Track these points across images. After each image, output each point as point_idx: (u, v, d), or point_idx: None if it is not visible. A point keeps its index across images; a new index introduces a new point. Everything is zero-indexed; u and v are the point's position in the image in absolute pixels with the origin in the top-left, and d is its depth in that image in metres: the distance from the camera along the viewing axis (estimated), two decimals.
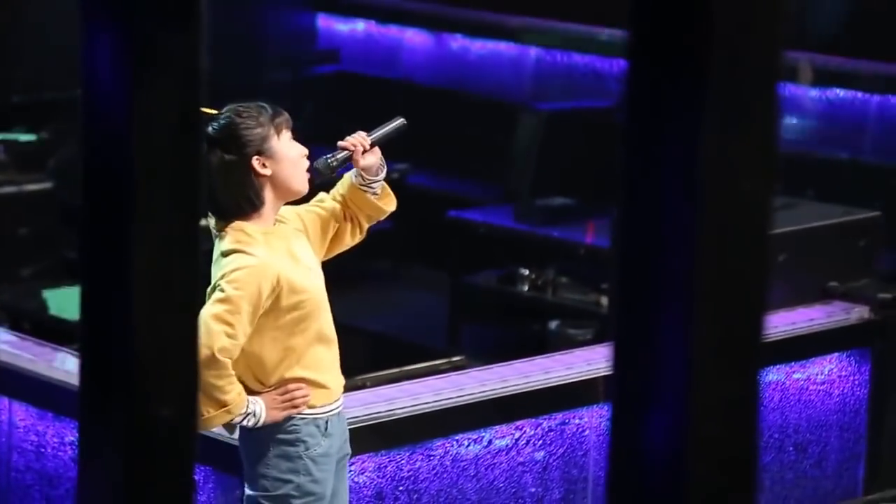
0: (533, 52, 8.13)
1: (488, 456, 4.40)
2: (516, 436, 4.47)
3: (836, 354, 5.24)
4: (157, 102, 1.53)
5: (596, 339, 5.81)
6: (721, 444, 1.35)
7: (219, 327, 3.39)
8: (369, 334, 6.33)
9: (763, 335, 1.37)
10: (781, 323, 5.07)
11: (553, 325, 6.29)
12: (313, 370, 3.50)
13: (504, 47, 8.21)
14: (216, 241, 3.56)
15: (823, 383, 5.23)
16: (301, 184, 3.55)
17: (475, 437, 4.38)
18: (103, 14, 1.52)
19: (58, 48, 7.22)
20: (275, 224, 3.57)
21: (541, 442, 4.52)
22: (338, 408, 3.58)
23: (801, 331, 5.13)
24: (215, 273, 3.51)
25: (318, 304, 3.51)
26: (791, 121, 7.14)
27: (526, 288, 6.55)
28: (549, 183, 7.06)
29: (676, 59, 1.30)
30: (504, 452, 4.44)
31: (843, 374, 5.27)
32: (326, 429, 3.53)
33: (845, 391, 5.28)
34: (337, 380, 3.58)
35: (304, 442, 3.51)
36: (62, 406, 4.43)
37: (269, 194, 3.52)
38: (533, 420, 4.49)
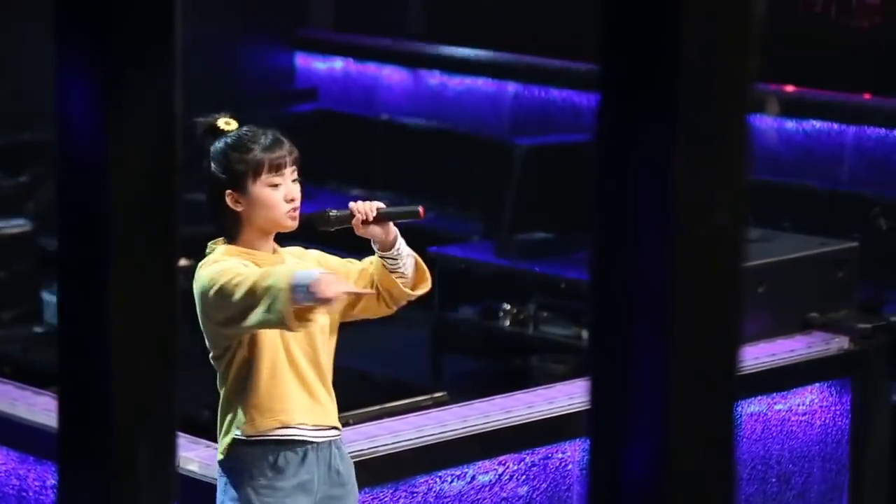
0: (511, 87, 8.17)
1: (472, 492, 4.40)
2: (499, 471, 4.46)
3: (818, 385, 5.25)
4: (132, 144, 1.53)
5: (577, 373, 5.81)
6: (699, 476, 1.35)
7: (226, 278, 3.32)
8: (350, 371, 6.32)
9: (738, 367, 1.37)
10: (762, 354, 5.08)
11: (534, 359, 6.29)
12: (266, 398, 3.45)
13: (482, 83, 8.24)
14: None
15: (805, 414, 5.24)
16: (278, 224, 3.47)
17: (458, 472, 4.37)
18: (77, 56, 1.52)
19: (34, 91, 7.23)
20: (273, 252, 3.52)
21: (524, 477, 4.51)
22: (301, 442, 3.51)
23: (782, 362, 5.14)
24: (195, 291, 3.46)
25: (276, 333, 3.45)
26: (767, 152, 7.18)
27: (507, 323, 6.55)
28: (529, 218, 7.07)
29: (646, 93, 1.31)
30: (487, 488, 4.44)
31: (825, 404, 5.28)
32: (276, 461, 3.49)
33: (827, 422, 5.29)
34: (296, 414, 3.49)
35: (248, 472, 3.49)
36: (43, 450, 4.41)
37: (246, 228, 3.48)
38: (516, 455, 4.49)
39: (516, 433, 4.47)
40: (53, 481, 4.43)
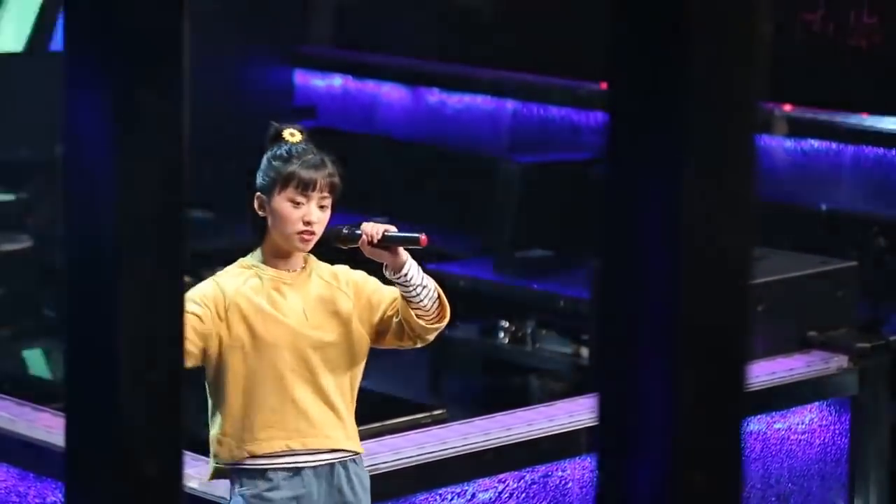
0: (510, 105, 8.18)
1: None
2: (499, 489, 4.46)
3: (817, 404, 5.25)
4: (141, 162, 1.54)
5: (577, 391, 5.81)
6: (705, 494, 1.36)
7: None
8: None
9: (746, 386, 1.38)
10: (761, 373, 5.08)
11: (533, 377, 6.29)
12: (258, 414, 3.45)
13: (481, 101, 8.26)
14: None
15: (804, 433, 5.24)
16: (287, 241, 3.47)
17: (458, 490, 4.37)
18: (86, 73, 1.53)
19: (35, 108, 7.24)
20: (301, 269, 3.51)
21: (524, 495, 4.51)
22: (293, 463, 3.50)
23: (781, 380, 5.14)
24: None
25: (275, 351, 3.44)
26: (767, 172, 7.19)
27: (506, 340, 6.55)
28: (528, 235, 7.08)
29: (654, 113, 1.32)
30: None
31: (824, 423, 5.28)
32: (265, 474, 3.48)
33: (826, 441, 5.29)
34: (285, 434, 3.47)
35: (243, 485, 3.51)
36: (43, 466, 4.40)
37: (269, 237, 3.49)
38: (516, 473, 4.49)
39: (516, 451, 4.47)
40: (54, 498, 4.43)
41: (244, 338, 3.44)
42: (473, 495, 4.40)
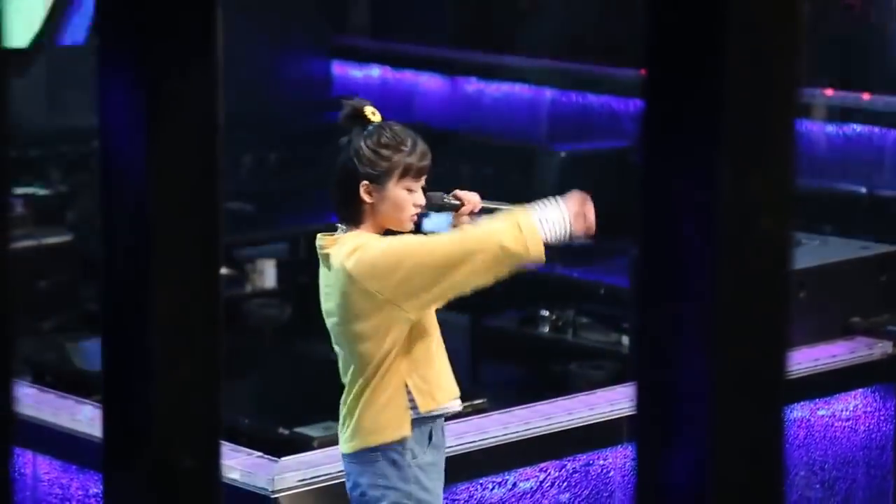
0: (548, 93, 8.15)
1: (513, 499, 4.38)
2: (541, 478, 4.45)
3: (861, 390, 5.21)
4: (174, 154, 1.54)
5: (618, 379, 5.79)
6: (746, 482, 1.34)
7: (419, 242, 3.44)
8: None
9: (786, 372, 1.36)
10: (804, 359, 5.05)
11: (574, 365, 6.27)
12: (424, 371, 3.49)
13: (519, 89, 8.23)
14: (324, 261, 3.55)
15: (848, 419, 5.20)
16: (400, 224, 3.54)
17: (499, 480, 4.36)
18: (119, 63, 1.52)
19: (73, 102, 7.27)
20: None
21: (565, 484, 4.50)
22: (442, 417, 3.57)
23: (825, 367, 5.11)
24: (338, 294, 3.47)
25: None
26: (809, 157, 7.14)
27: (546, 329, 6.53)
28: None
29: (692, 98, 1.30)
30: (529, 495, 4.43)
31: (868, 409, 5.24)
32: (431, 439, 3.53)
33: (871, 427, 5.25)
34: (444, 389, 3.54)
35: (410, 450, 3.51)
36: (86, 458, 4.42)
37: (369, 219, 3.52)
38: (557, 462, 4.47)
39: (557, 440, 4.46)
40: (96, 490, 4.45)
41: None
42: (514, 484, 4.39)
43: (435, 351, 3.54)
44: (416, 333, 3.49)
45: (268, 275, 7.26)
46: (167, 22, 1.51)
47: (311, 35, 8.66)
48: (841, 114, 7.25)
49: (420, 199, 3.55)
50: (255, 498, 4.01)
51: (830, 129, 7.31)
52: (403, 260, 3.42)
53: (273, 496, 4.00)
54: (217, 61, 1.53)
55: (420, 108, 8.58)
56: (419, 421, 3.52)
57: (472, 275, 3.44)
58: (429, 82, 8.55)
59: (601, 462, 4.57)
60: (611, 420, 4.55)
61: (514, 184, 7.62)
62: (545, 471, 4.46)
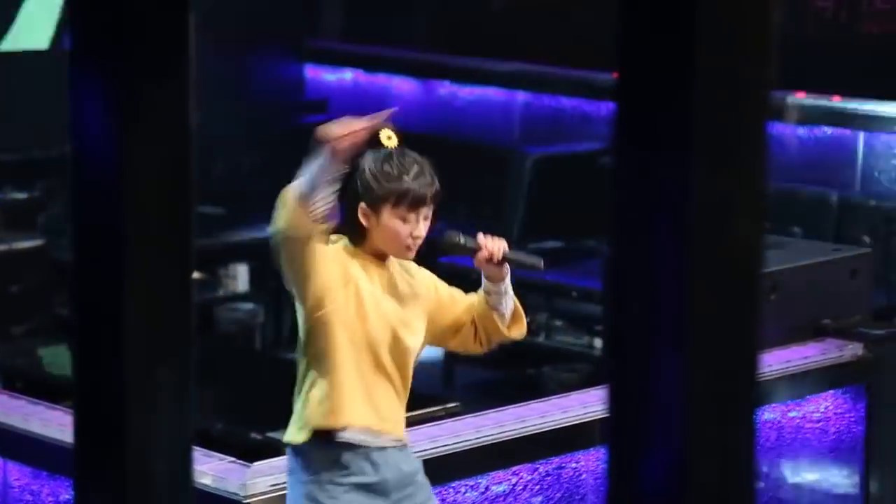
0: (521, 96, 8.16)
1: (486, 502, 4.38)
2: (513, 481, 4.45)
3: (832, 392, 5.23)
4: (147, 156, 1.53)
5: (590, 382, 5.80)
6: (718, 484, 1.35)
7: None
8: None
9: (758, 376, 1.37)
10: (776, 361, 5.07)
11: (547, 368, 6.28)
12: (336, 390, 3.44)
13: (492, 92, 8.24)
14: None
15: (819, 421, 5.22)
16: (396, 255, 3.52)
17: (472, 483, 4.36)
18: (92, 69, 1.52)
19: (46, 106, 7.24)
20: (384, 261, 3.54)
21: (538, 487, 4.50)
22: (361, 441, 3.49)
23: (796, 369, 5.12)
24: None
25: (366, 335, 3.46)
26: (779, 159, 7.17)
27: None
28: (540, 226, 7.06)
29: (665, 101, 1.30)
30: (501, 499, 4.43)
31: (839, 411, 5.26)
32: (346, 467, 3.46)
33: (841, 429, 5.27)
34: (359, 414, 3.47)
35: (309, 464, 3.48)
36: (57, 464, 4.40)
37: (368, 241, 3.51)
38: (530, 465, 4.47)
39: (530, 443, 4.46)
40: (67, 496, 4.43)
41: (352, 312, 3.46)
42: (487, 488, 4.39)
43: (364, 375, 3.47)
44: (349, 349, 3.45)
45: (240, 279, 7.25)
46: (140, 27, 1.51)
47: (284, 38, 8.65)
48: (811, 116, 7.29)
49: (419, 230, 3.49)
50: (228, 503, 4.00)
51: (801, 131, 7.34)
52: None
53: (245, 501, 3.99)
54: (189, 65, 1.52)
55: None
56: (327, 441, 3.46)
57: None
58: (401, 85, 8.55)
59: (574, 465, 4.57)
60: (583, 423, 4.56)
61: (486, 186, 7.63)
62: (518, 474, 4.47)
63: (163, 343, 1.58)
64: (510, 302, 3.63)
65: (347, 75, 8.73)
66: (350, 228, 3.52)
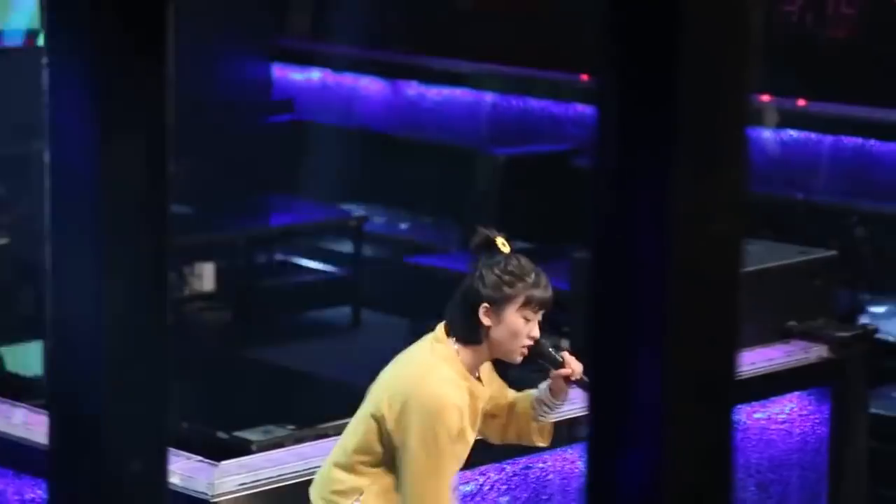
0: (489, 97, 8.17)
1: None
2: (480, 481, 4.46)
3: (797, 394, 5.26)
4: (124, 153, 1.52)
5: None
6: (697, 483, 1.35)
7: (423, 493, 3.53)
8: (330, 382, 6.31)
9: (736, 376, 1.37)
10: (742, 363, 5.08)
11: (515, 369, 6.27)
12: None
13: (460, 93, 8.24)
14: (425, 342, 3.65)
15: (784, 422, 5.25)
16: (509, 356, 3.66)
17: None
18: (70, 68, 1.51)
19: (9, 104, 7.19)
20: (477, 376, 3.67)
21: (505, 487, 4.51)
22: None
23: (762, 370, 5.14)
24: (409, 366, 3.60)
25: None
26: (764, 163, 7.20)
27: None
28: (507, 227, 7.04)
29: (645, 105, 1.31)
30: (469, 498, 4.43)
31: (804, 412, 5.29)
32: None
33: (806, 430, 5.30)
34: None
35: None
36: (22, 463, 4.38)
37: (483, 342, 3.62)
38: (497, 465, 4.48)
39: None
40: (33, 495, 4.40)
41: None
42: (455, 488, 4.39)
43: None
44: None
45: (206, 278, 7.23)
46: (116, 23, 1.50)
47: (251, 37, 8.62)
48: (778, 120, 7.32)
49: (535, 331, 3.65)
50: (195, 502, 3.99)
51: (767, 134, 7.38)
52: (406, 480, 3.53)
53: (213, 500, 3.98)
54: (167, 64, 1.52)
55: (360, 112, 8.57)
56: None
57: None
58: (369, 86, 8.55)
59: (541, 465, 4.58)
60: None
61: (454, 187, 7.63)
62: (485, 474, 4.47)
63: (138, 342, 1.57)
64: (553, 416, 3.82)
65: (315, 75, 8.71)
66: (465, 331, 3.61)
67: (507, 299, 3.61)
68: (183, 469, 4.09)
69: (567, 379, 3.72)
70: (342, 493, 3.58)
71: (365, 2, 8.78)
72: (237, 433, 4.97)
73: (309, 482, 3.96)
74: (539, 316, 3.67)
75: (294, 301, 7.47)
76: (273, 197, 7.93)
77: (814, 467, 5.31)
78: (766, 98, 7.41)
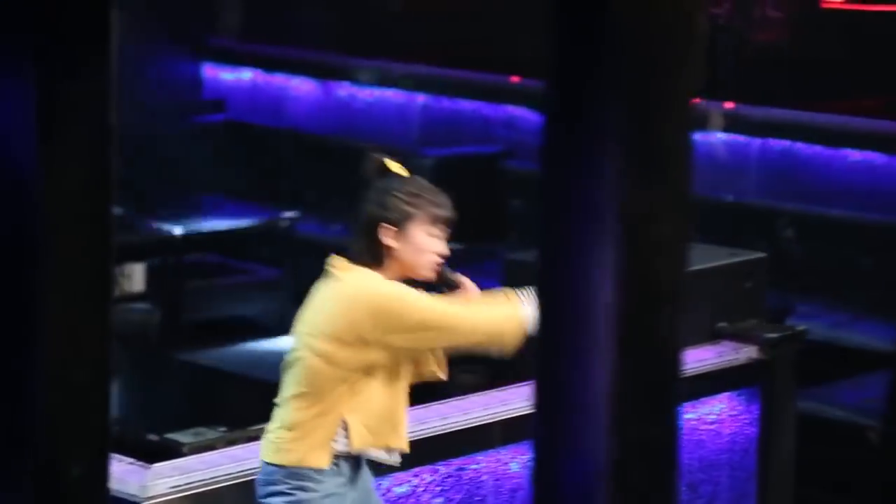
0: (420, 98, 8.18)
1: None
2: (414, 482, 4.46)
3: (727, 394, 5.31)
4: (67, 154, 1.51)
5: (490, 384, 5.82)
6: (641, 484, 1.36)
7: (443, 314, 3.57)
8: (261, 383, 6.28)
9: (679, 376, 1.39)
10: None
11: None
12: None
13: (391, 94, 8.24)
14: (330, 279, 3.63)
15: (714, 423, 5.29)
16: (418, 272, 3.66)
17: (374, 485, 4.36)
18: (10, 68, 1.50)
19: None
20: None
21: (439, 488, 4.51)
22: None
23: (692, 371, 5.18)
24: (330, 310, 3.58)
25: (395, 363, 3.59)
26: (711, 166, 7.25)
27: None
28: None
29: (593, 109, 1.32)
30: (403, 500, 4.43)
31: (733, 413, 5.34)
32: (345, 474, 3.61)
33: (735, 430, 5.34)
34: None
35: (322, 480, 3.60)
36: None
37: (388, 265, 3.62)
38: (431, 467, 4.48)
39: (431, 445, 4.47)
40: None
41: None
42: (389, 489, 4.40)
43: (388, 398, 3.62)
44: (376, 376, 3.58)
45: (136, 279, 7.18)
46: (59, 26, 1.49)
47: (181, 36, 8.57)
48: (706, 122, 7.39)
49: (443, 249, 3.67)
50: None
51: (696, 137, 7.44)
52: (428, 330, 3.59)
53: (145, 503, 3.95)
54: (111, 64, 1.51)
55: (291, 112, 8.55)
56: (342, 454, 3.61)
57: (459, 345, 3.69)
58: (300, 86, 8.52)
59: (474, 466, 4.59)
60: (484, 425, 4.58)
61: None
62: (419, 475, 4.48)
63: (80, 345, 1.56)
64: None
65: (246, 75, 8.68)
66: (370, 255, 3.61)
67: (410, 218, 3.63)
68: (115, 471, 4.05)
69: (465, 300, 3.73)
70: (297, 436, 3.58)
71: (296, 2, 8.76)
72: (168, 435, 4.94)
73: (242, 484, 3.95)
74: (443, 233, 3.68)
75: (224, 302, 7.43)
76: (204, 197, 7.89)
77: (743, 467, 5.36)
78: (695, 101, 7.47)
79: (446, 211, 3.69)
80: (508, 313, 3.65)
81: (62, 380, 1.54)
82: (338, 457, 3.60)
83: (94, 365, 1.56)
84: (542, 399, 1.36)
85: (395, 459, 3.71)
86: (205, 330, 7.08)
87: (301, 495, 3.58)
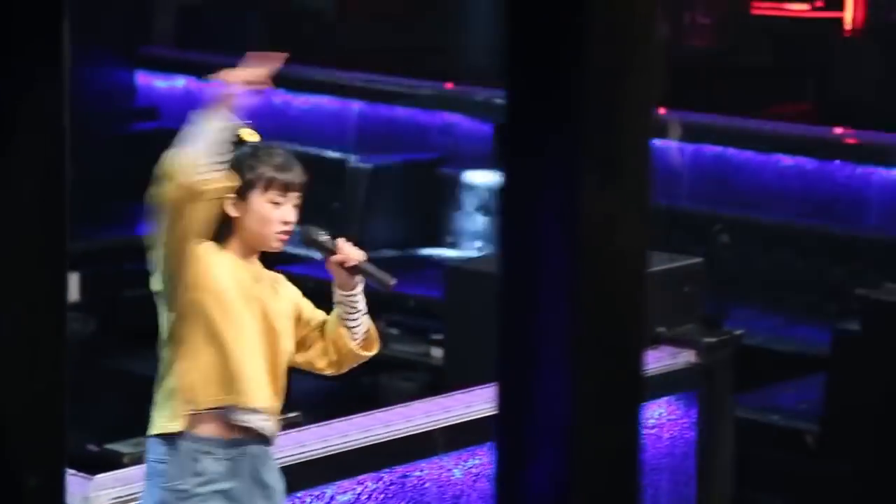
0: (356, 105, 8.17)
1: None
2: (358, 490, 4.46)
3: (665, 398, 5.34)
4: (21, 168, 1.50)
5: (429, 391, 5.83)
6: (603, 492, 1.37)
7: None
8: None
9: (641, 383, 1.40)
10: None
11: (384, 377, 6.29)
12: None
13: (326, 101, 8.23)
14: None
15: (653, 427, 5.33)
16: (265, 243, 3.47)
17: (317, 493, 4.35)
18: None
19: None
20: (255, 274, 3.49)
21: (382, 496, 4.51)
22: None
23: None
24: None
25: (231, 318, 3.42)
26: (671, 174, 7.29)
27: None
28: (376, 235, 7.07)
29: (551, 118, 1.33)
30: None
31: (672, 417, 5.37)
32: (200, 467, 3.47)
33: (675, 434, 5.38)
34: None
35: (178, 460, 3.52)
36: None
37: (235, 236, 3.45)
38: (374, 474, 4.48)
39: (374, 452, 4.47)
40: None
41: (220, 294, 3.43)
42: (332, 498, 4.39)
43: (229, 353, 3.45)
44: (210, 332, 3.45)
45: (71, 288, 7.12)
46: (13, 36, 1.48)
47: (114, 44, 8.51)
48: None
49: (288, 215, 3.46)
50: None
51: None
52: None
53: None
54: (65, 75, 1.50)
55: None
56: (189, 438, 3.47)
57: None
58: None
59: (418, 473, 4.59)
60: (427, 432, 4.58)
61: (321, 195, 7.61)
62: (362, 483, 4.47)
63: (35, 352, 1.55)
64: (364, 320, 3.61)
65: (179, 82, 8.63)
66: (217, 227, 3.44)
67: (250, 186, 3.43)
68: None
69: (343, 265, 3.52)
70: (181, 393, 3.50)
71: (229, 9, 8.72)
72: (108, 446, 4.90)
73: None
74: (290, 200, 3.46)
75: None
76: (138, 206, 7.83)
77: (682, 471, 5.39)
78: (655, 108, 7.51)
79: (290, 175, 3.46)
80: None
81: (18, 391, 1.52)
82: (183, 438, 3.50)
83: (49, 375, 1.55)
84: (504, 406, 1.37)
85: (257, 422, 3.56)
86: (141, 338, 7.03)
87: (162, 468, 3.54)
